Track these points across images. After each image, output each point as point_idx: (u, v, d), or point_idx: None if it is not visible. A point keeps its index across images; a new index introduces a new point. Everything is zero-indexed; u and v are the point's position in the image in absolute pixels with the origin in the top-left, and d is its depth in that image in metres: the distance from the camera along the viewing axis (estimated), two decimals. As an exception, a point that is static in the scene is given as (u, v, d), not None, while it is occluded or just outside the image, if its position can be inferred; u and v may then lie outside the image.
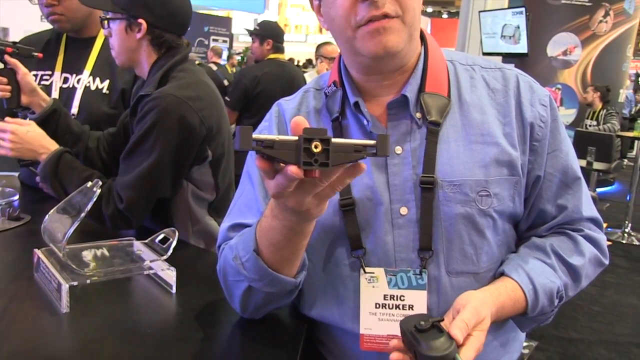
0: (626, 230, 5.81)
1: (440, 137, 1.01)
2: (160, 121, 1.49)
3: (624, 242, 5.70)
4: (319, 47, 4.81)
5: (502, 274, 1.01)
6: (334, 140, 0.68)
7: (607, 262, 1.11)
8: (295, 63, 10.62)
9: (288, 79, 3.91)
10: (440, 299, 1.00)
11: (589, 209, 1.09)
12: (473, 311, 0.86)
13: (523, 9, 7.46)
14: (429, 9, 29.89)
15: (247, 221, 1.05)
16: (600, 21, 7.68)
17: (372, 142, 0.70)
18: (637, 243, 5.69)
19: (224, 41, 12.50)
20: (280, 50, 4.02)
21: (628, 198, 5.88)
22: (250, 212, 1.07)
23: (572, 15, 7.65)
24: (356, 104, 1.04)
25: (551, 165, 1.05)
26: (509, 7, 8.00)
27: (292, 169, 0.67)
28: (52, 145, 1.62)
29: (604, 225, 4.29)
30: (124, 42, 1.60)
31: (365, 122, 1.03)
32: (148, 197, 1.53)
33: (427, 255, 0.99)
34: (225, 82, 7.10)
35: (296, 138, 0.68)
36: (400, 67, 1.02)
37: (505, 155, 1.01)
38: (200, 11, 13.47)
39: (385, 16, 0.93)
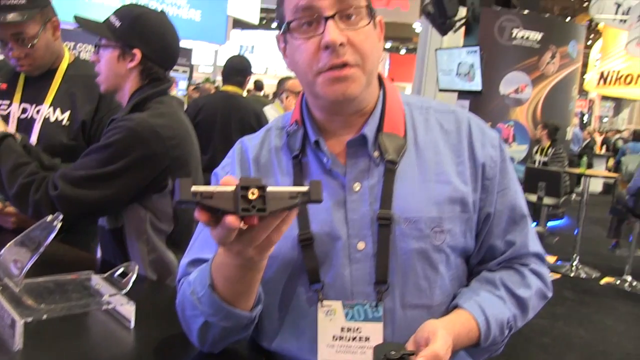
0: (574, 263, 6.00)
1: (396, 175, 1.06)
2: (124, 139, 1.51)
3: (572, 275, 5.87)
4: (282, 81, 4.71)
5: (456, 306, 1.05)
6: (269, 188, 0.72)
7: (550, 294, 1.16)
8: (263, 94, 10.65)
9: (233, 111, 3.82)
10: (394, 332, 1.03)
11: (535, 245, 1.15)
12: (443, 343, 0.89)
13: (477, 48, 7.72)
14: (388, 45, 30.54)
15: (206, 256, 1.06)
16: (548, 62, 8.03)
17: (305, 188, 0.75)
18: (584, 276, 5.87)
19: (184, 72, 12.48)
20: (232, 82, 3.99)
21: (576, 232, 6.08)
22: (209, 248, 1.08)
23: (522, 55, 7.98)
24: (316, 142, 1.08)
25: (501, 202, 1.11)
26: (464, 46, 8.27)
27: (229, 219, 0.71)
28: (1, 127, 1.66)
29: (554, 258, 4.46)
30: (113, 69, 1.64)
31: (325, 159, 1.07)
32: (84, 200, 1.53)
33: (383, 289, 1.02)
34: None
35: (233, 188, 0.71)
36: (359, 110, 1.08)
37: (458, 193, 1.06)
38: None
39: (345, 64, 0.98)
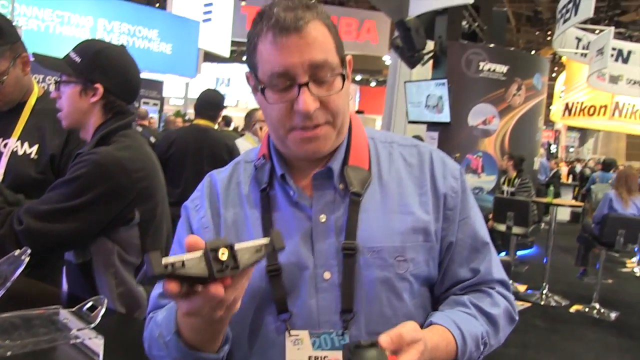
0: (544, 291, 6.08)
1: (361, 207, 1.09)
2: (90, 172, 1.53)
3: (542, 303, 5.95)
4: (252, 113, 4.69)
5: (431, 324, 1.06)
6: (236, 245, 0.74)
7: (516, 318, 1.19)
8: (233, 127, 10.70)
9: (205, 145, 3.83)
10: None
11: (499, 272, 1.18)
12: (410, 329, 0.91)
13: (445, 81, 7.91)
14: (358, 77, 30.96)
15: None
16: (514, 94, 8.27)
17: (267, 240, 0.78)
18: (554, 304, 5.95)
19: (155, 104, 12.45)
20: (204, 116, 4.01)
21: (545, 260, 6.19)
22: None
23: (489, 87, 8.20)
24: (282, 176, 1.11)
25: (462, 231, 1.14)
26: (433, 79, 8.46)
27: (214, 289, 0.74)
28: None
29: (525, 287, 4.53)
30: (75, 105, 1.65)
31: (291, 192, 1.10)
32: (50, 234, 1.53)
33: (349, 317, 1.05)
34: (152, 139, 7.08)
35: (202, 252, 0.72)
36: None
37: (421, 223, 1.10)
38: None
39: (317, 125, 1.02)
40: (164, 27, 12.65)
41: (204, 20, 14.08)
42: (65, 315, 1.28)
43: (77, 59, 1.65)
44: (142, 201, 1.62)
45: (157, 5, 15.36)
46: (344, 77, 1.03)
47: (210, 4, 14.54)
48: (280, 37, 0.98)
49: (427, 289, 1.15)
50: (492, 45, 8.54)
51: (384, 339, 0.86)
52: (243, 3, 17.16)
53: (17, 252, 1.20)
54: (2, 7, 8.02)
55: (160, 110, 12.78)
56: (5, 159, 1.86)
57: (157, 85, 12.82)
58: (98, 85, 1.64)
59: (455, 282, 1.16)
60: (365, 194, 1.10)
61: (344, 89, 1.04)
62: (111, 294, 1.62)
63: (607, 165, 11.81)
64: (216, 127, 4.37)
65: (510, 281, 5.48)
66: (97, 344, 1.17)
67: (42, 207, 1.54)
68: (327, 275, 1.06)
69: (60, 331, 1.21)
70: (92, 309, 1.24)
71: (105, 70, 1.65)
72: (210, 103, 4.01)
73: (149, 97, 12.25)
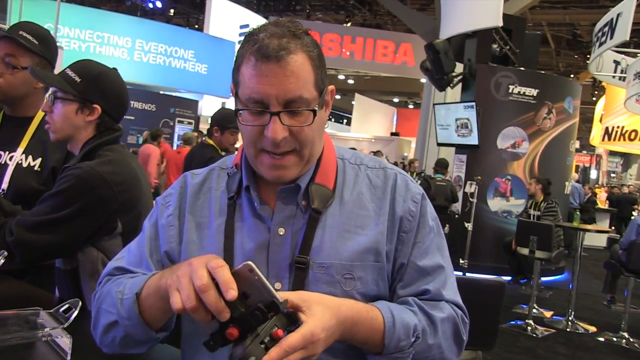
0: (570, 318, 5.94)
1: (319, 224, 1.13)
2: (75, 186, 1.62)
3: (568, 330, 5.81)
4: None
5: None
6: None
7: (464, 338, 1.19)
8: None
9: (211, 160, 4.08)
10: None
11: (452, 294, 1.19)
12: (305, 336, 0.91)
13: (474, 103, 7.90)
14: (395, 99, 31.10)
15: (132, 269, 1.17)
16: (545, 118, 8.19)
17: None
18: (582, 331, 5.81)
19: (189, 123, 12.77)
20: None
21: (570, 287, 6.05)
22: (137, 264, 1.19)
23: (518, 111, 8.15)
24: (247, 187, 1.17)
25: (414, 254, 1.16)
26: (461, 101, 8.45)
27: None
28: None
29: (550, 313, 4.42)
30: (70, 121, 1.75)
31: (255, 203, 1.16)
32: (39, 244, 1.63)
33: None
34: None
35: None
36: None
37: (373, 244, 1.13)
38: (168, 93, 13.86)
39: (284, 153, 1.08)
40: (200, 48, 13.01)
41: (239, 42, 14.39)
42: (43, 316, 1.36)
43: (77, 79, 1.75)
44: (124, 212, 1.70)
45: (196, 26, 15.76)
46: (315, 113, 1.08)
47: (247, 26, 14.86)
48: (260, 64, 1.03)
49: None
50: (522, 68, 8.49)
51: (274, 354, 0.87)
52: (279, 26, 17.42)
53: (-5, 254, 1.28)
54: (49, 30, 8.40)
55: (196, 129, 13.07)
56: (10, 170, 1.97)
57: (191, 105, 13.14)
58: (96, 106, 1.76)
59: (405, 302, 1.16)
60: (325, 211, 1.14)
61: (315, 120, 1.08)
62: (96, 299, 1.70)
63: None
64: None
65: (535, 306, 5.30)
66: (65, 342, 1.24)
67: (31, 219, 1.65)
68: (277, 285, 1.10)
69: (33, 330, 1.29)
70: (67, 310, 1.31)
71: (104, 93, 1.77)
72: (223, 121, 4.18)
73: (184, 115, 12.56)
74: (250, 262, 0.88)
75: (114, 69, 1.87)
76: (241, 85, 1.07)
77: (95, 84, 1.76)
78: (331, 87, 1.15)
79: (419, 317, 1.11)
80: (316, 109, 1.07)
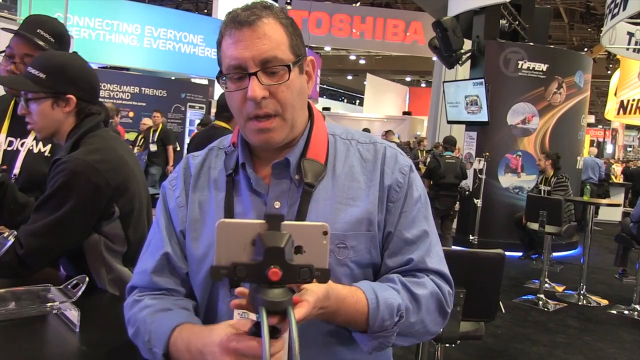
0: (581, 292, 5.97)
1: (312, 197, 1.19)
2: (69, 181, 1.65)
3: (580, 304, 5.85)
4: None
5: None
6: None
7: (449, 310, 1.24)
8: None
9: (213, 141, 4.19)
10: (302, 332, 1.14)
11: (437, 262, 1.23)
12: (315, 304, 0.97)
13: (482, 80, 7.87)
14: (408, 78, 30.89)
15: (156, 280, 1.22)
16: (555, 92, 8.14)
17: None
18: (594, 304, 5.84)
19: (200, 107, 12.82)
20: (221, 118, 4.18)
21: (582, 261, 6.06)
22: (158, 254, 1.23)
23: (528, 86, 8.11)
24: (243, 164, 1.23)
25: (400, 224, 1.22)
26: (470, 78, 8.41)
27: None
28: None
29: (563, 287, 4.46)
30: (50, 117, 1.78)
31: (251, 180, 1.22)
32: (50, 247, 1.67)
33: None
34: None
35: None
36: (284, 145, 1.22)
37: (365, 214, 1.18)
38: (179, 78, 13.88)
39: (267, 115, 1.13)
40: (209, 33, 13.00)
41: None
42: (53, 291, 1.44)
43: (42, 75, 1.76)
44: (119, 196, 1.76)
45: (205, 11, 15.72)
46: (293, 70, 1.14)
47: (255, 9, 14.83)
48: (235, 31, 1.12)
49: (372, 275, 1.23)
50: (531, 43, 8.43)
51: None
52: (288, 7, 17.39)
53: (6, 232, 1.36)
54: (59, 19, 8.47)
55: (207, 113, 13.13)
56: (22, 156, 2.05)
57: (202, 90, 13.17)
58: (70, 96, 1.78)
59: (388, 270, 1.22)
60: (318, 185, 1.20)
61: (292, 82, 1.15)
62: (103, 281, 1.77)
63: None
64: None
65: (547, 280, 5.32)
66: (74, 315, 1.32)
67: (34, 225, 1.66)
68: None
69: (44, 304, 1.37)
70: (75, 286, 1.39)
71: (73, 81, 1.78)
72: (224, 105, 4.21)
73: (195, 100, 12.61)
74: (327, 224, 0.90)
75: (75, 52, 1.90)
76: (222, 59, 1.15)
77: (61, 75, 1.77)
78: (310, 57, 1.20)
79: (402, 295, 1.15)
80: (290, 65, 1.13)
